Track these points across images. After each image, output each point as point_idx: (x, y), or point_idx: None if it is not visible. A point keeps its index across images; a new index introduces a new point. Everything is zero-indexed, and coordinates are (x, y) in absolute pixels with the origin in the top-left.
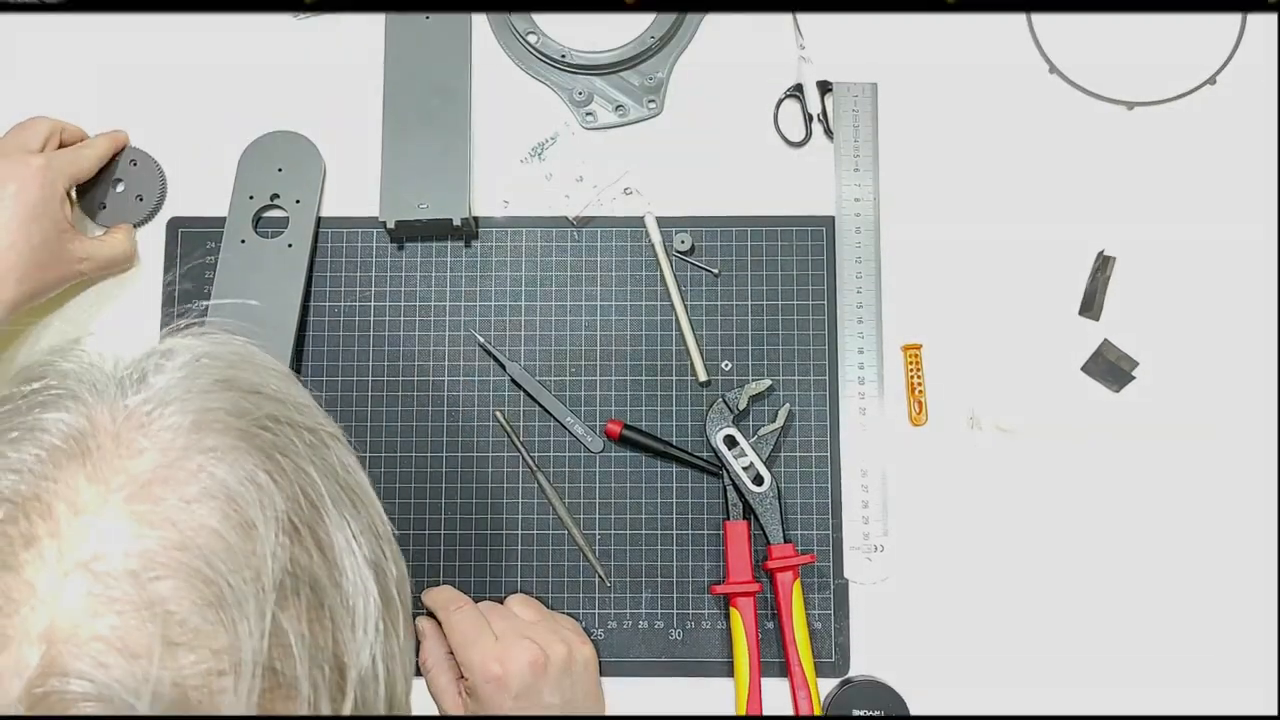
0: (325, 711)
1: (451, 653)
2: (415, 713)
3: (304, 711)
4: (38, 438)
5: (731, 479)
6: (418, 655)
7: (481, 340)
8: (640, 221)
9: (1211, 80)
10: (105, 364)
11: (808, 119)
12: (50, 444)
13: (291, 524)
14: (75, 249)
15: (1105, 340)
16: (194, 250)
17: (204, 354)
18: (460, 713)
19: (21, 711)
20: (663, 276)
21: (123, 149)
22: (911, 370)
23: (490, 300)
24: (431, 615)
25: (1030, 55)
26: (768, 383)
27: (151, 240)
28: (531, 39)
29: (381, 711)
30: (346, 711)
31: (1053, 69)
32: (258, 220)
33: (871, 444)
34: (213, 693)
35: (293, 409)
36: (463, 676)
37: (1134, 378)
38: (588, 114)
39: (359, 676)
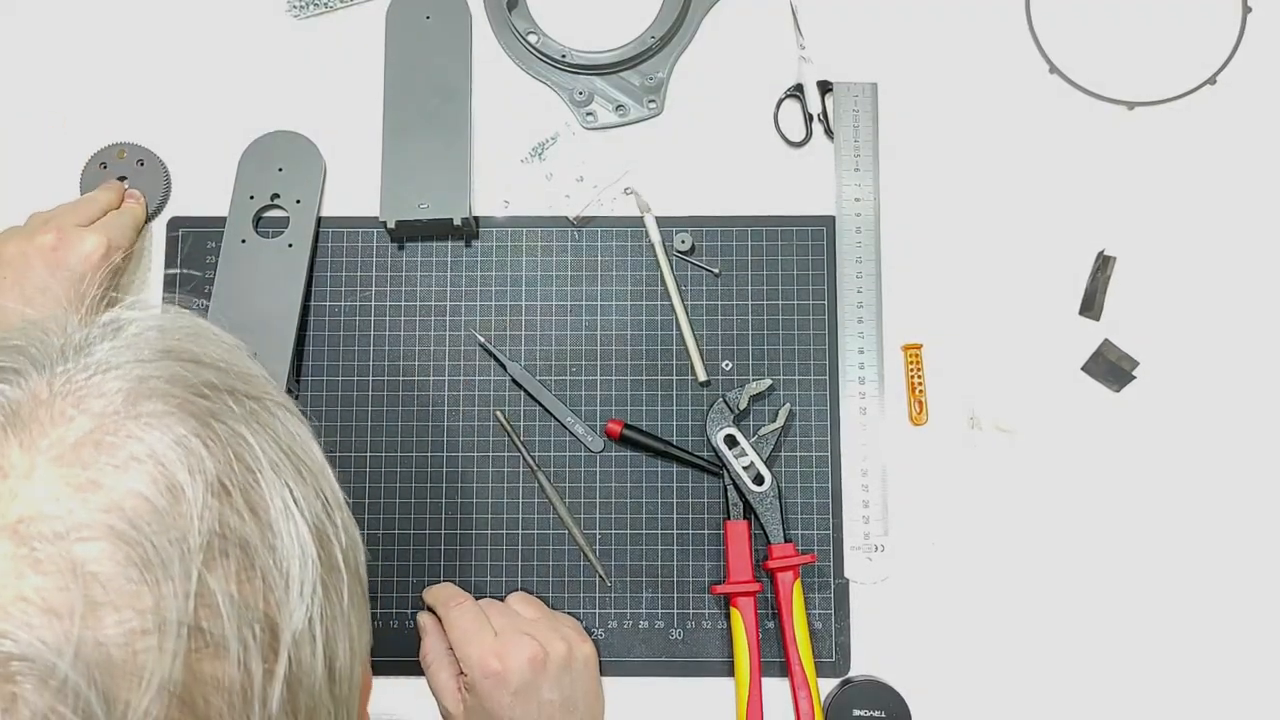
0: (256, 670)
1: (452, 648)
2: (373, 687)
3: (234, 670)
4: None
5: (732, 479)
6: (418, 651)
7: (481, 340)
8: (640, 221)
9: (1211, 80)
10: (54, 336)
11: (808, 119)
12: None
13: (222, 486)
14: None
15: (1105, 340)
16: (195, 250)
17: (151, 326)
18: (460, 708)
19: None
20: (663, 276)
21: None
22: (911, 370)
23: (490, 300)
24: (432, 611)
25: (1030, 55)
26: (768, 382)
27: (153, 240)
28: (532, 39)
29: (320, 674)
30: (280, 671)
31: (1053, 69)
32: (258, 220)
33: (871, 444)
34: (136, 652)
35: (235, 378)
36: (463, 672)
37: (1134, 378)
38: (588, 114)
39: (293, 637)
